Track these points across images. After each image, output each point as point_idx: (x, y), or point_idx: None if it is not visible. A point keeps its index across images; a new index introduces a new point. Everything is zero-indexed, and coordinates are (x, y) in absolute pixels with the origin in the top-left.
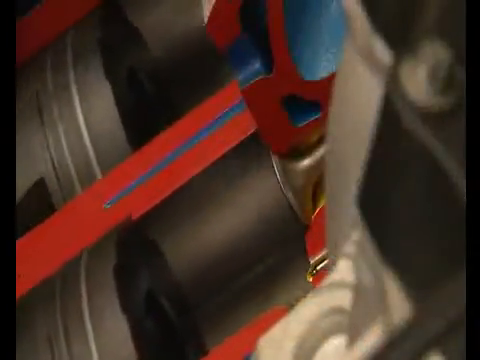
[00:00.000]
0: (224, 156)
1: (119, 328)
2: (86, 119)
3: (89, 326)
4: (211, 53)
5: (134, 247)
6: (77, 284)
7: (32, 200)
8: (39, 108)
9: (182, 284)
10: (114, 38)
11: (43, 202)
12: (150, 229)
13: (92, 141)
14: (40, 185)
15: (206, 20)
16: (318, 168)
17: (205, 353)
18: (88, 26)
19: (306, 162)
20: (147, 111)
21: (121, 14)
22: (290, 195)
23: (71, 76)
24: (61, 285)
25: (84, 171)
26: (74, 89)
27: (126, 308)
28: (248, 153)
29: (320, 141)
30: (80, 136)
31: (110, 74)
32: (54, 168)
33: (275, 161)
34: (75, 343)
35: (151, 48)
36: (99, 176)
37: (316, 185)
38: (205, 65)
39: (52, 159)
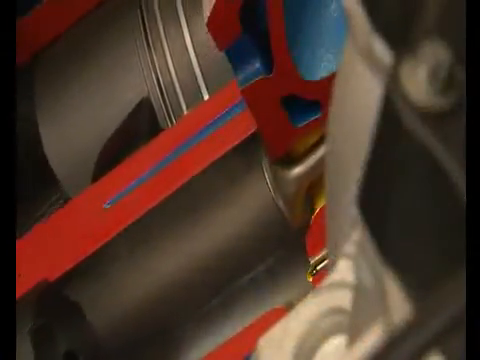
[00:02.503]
0: (224, 156)
1: None
2: (192, 38)
3: None
4: None
5: (52, 307)
6: None
7: (137, 119)
8: (144, 26)
9: (102, 341)
10: None
11: (148, 121)
12: (69, 288)
13: (199, 61)
14: (146, 105)
15: (206, 20)
16: (309, 175)
17: None
18: None
19: (298, 170)
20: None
21: None
22: (281, 203)
23: None
24: None
25: (190, 91)
26: (180, 8)
27: None
28: (238, 162)
29: (315, 145)
30: (187, 56)
31: None
32: (160, 88)
33: (266, 170)
34: None
35: None
36: (206, 96)
37: (312, 186)
38: None
39: (158, 79)
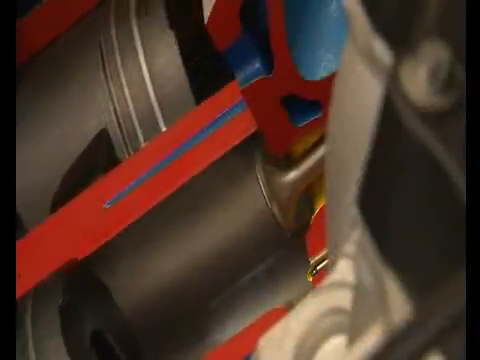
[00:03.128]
0: (224, 156)
1: None
2: (150, 70)
3: None
4: None
5: (80, 286)
6: (23, 323)
7: (95, 151)
8: (102, 58)
9: (129, 322)
10: None
11: (106, 153)
12: (97, 267)
13: (156, 92)
14: (103, 136)
15: (206, 20)
16: (304, 181)
17: None
18: None
19: (292, 175)
20: (212, 64)
21: None
22: (275, 208)
23: (135, 26)
24: None
25: (147, 121)
26: (137, 39)
27: (71, 348)
28: (232, 168)
29: (312, 148)
30: (144, 87)
31: (175, 25)
32: (117, 118)
33: (260, 175)
34: None
35: None
36: (163, 126)
37: (311, 187)
38: None
39: (115, 110)
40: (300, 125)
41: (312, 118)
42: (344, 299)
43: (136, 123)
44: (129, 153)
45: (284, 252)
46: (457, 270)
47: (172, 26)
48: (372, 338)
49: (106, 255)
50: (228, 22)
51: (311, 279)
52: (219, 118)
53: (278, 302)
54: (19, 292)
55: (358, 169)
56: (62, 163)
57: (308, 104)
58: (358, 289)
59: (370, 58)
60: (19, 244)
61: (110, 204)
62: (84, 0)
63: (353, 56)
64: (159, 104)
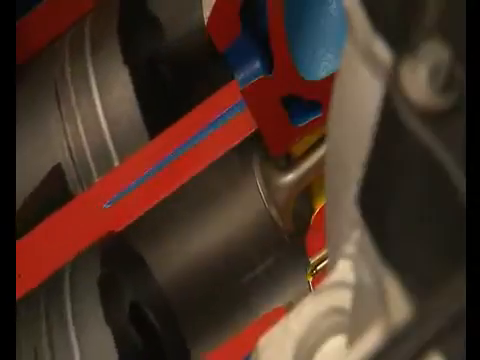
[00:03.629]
0: (224, 156)
1: (103, 339)
2: (104, 106)
3: (73, 337)
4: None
5: (118, 258)
6: (61, 295)
7: (49, 187)
8: (57, 96)
9: (166, 294)
10: (133, 24)
11: (60, 189)
12: (134, 240)
13: (110, 128)
14: (57, 172)
15: (206, 20)
16: (302, 183)
17: None
18: (106, 13)
19: (290, 177)
20: (165, 97)
21: (141, 1)
22: (273, 210)
23: (89, 63)
24: (45, 296)
25: (101, 158)
26: (92, 76)
27: (110, 319)
28: (231, 169)
29: (309, 150)
30: (98, 123)
31: (128, 60)
32: (71, 155)
33: (258, 177)
34: (60, 354)
35: (169, 34)
36: (116, 163)
37: (311, 186)
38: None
39: (69, 146)
40: (300, 125)
41: (312, 118)
42: (344, 299)
43: (90, 158)
44: (83, 188)
45: (283, 253)
46: (457, 270)
47: (126, 62)
48: (372, 338)
49: (143, 228)
50: (228, 22)
51: (311, 279)
52: (219, 118)
53: (278, 302)
54: (19, 292)
55: (358, 169)
56: (16, 198)
57: (308, 104)
58: (358, 289)
59: (370, 58)
60: (19, 244)
61: (110, 204)
62: (84, 0)
63: (353, 56)
64: (113, 139)
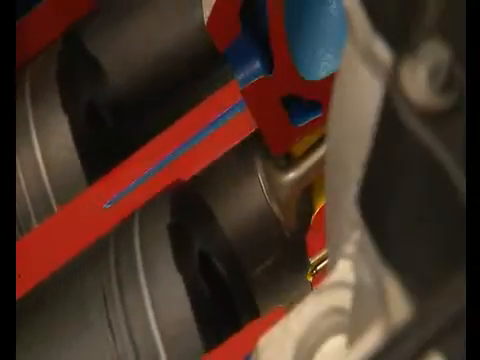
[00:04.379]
0: (224, 156)
1: (175, 286)
2: (43, 153)
3: (144, 283)
4: (171, 81)
5: (187, 208)
6: (131, 240)
7: None
8: None
9: (234, 246)
10: (73, 70)
11: None
12: (201, 191)
13: (49, 175)
14: None
15: (206, 20)
16: (304, 180)
17: (257, 314)
18: (46, 60)
19: (292, 175)
20: (104, 144)
21: (81, 45)
22: (275, 207)
23: (29, 111)
24: (115, 240)
25: (41, 205)
26: (31, 124)
27: (181, 267)
28: (233, 167)
29: (311, 148)
30: (37, 170)
31: (68, 108)
32: None
33: (261, 174)
34: (130, 298)
35: (111, 81)
36: (56, 210)
37: (312, 187)
38: (167, 91)
39: None
40: (300, 125)
41: (312, 118)
42: (344, 299)
43: (30, 205)
44: (22, 233)
45: (284, 252)
46: (457, 270)
47: (65, 109)
48: (372, 338)
49: (210, 179)
50: (228, 22)
51: (311, 279)
52: (219, 118)
53: (278, 302)
54: (19, 292)
55: (358, 169)
56: None
57: (308, 104)
58: (358, 289)
59: (370, 58)
60: (19, 244)
61: (110, 204)
62: (84, 0)
63: (353, 56)
64: (52, 187)
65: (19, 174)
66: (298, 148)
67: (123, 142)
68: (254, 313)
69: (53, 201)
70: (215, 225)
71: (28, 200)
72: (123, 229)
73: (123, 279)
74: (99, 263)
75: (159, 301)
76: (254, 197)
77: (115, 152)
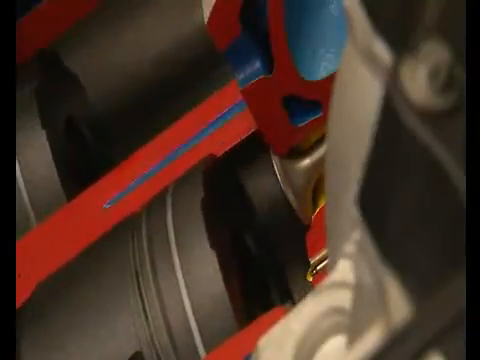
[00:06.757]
0: (224, 156)
1: (208, 262)
2: (22, 169)
3: (177, 260)
4: (151, 93)
5: (219, 183)
6: (163, 215)
7: None
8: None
9: (264, 223)
10: (51, 87)
11: None
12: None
13: (28, 191)
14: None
15: (206, 20)
16: (318, 168)
17: (288, 291)
18: (24, 76)
19: (306, 162)
20: (84, 160)
21: (58, 62)
22: (290, 195)
23: None
24: (147, 217)
25: (20, 221)
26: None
27: (214, 243)
28: (248, 153)
29: (320, 141)
30: (16, 186)
31: (47, 124)
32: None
33: (275, 161)
34: (162, 275)
35: (90, 95)
36: (35, 225)
37: (316, 185)
38: (147, 107)
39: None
40: (300, 125)
41: (312, 118)
42: (344, 299)
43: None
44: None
45: (284, 252)
46: (457, 270)
47: (44, 125)
48: (372, 338)
49: (243, 156)
50: (228, 22)
51: (311, 279)
52: (219, 118)
53: (278, 302)
54: (19, 292)
55: (358, 169)
56: None
57: (308, 104)
58: (358, 289)
59: (370, 58)
60: (19, 244)
61: (110, 204)
62: (84, 0)
63: (353, 56)
64: (31, 203)
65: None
66: (311, 137)
67: (102, 156)
68: (284, 290)
69: (33, 218)
70: (249, 204)
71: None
72: (155, 206)
73: (156, 257)
74: (131, 240)
75: (192, 279)
76: (269, 186)
77: (94, 166)
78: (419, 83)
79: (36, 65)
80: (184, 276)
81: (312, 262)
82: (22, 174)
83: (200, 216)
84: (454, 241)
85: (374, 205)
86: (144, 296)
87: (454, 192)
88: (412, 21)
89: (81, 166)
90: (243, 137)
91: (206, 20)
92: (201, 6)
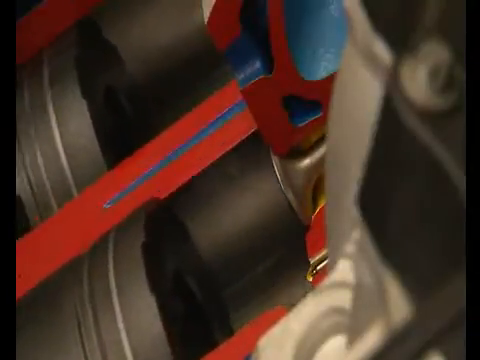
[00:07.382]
0: (224, 156)
1: (147, 307)
2: (63, 139)
3: (117, 305)
4: (189, 68)
5: (162, 226)
6: (105, 261)
7: None
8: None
9: (209, 265)
10: (91, 57)
11: (19, 220)
12: (177, 209)
13: (69, 161)
14: (16, 203)
15: (206, 20)
16: (318, 168)
17: (231, 332)
18: (64, 45)
19: (306, 162)
20: (124, 130)
21: (98, 32)
22: (290, 195)
23: (48, 96)
24: (89, 262)
25: (60, 190)
26: (51, 109)
27: (154, 287)
28: (248, 153)
29: (320, 141)
30: (57, 156)
31: (87, 93)
32: (31, 187)
33: (275, 161)
34: (104, 322)
35: (129, 66)
36: (75, 195)
37: (316, 185)
38: (184, 81)
39: (29, 178)
40: (300, 125)
41: (312, 118)
42: (344, 299)
43: (49, 192)
44: (42, 219)
45: (284, 251)
46: (457, 270)
47: (84, 95)
48: (372, 338)
49: (186, 198)
50: (228, 22)
51: (311, 279)
52: (219, 118)
53: (278, 302)
54: (19, 292)
55: (358, 169)
56: None
57: (308, 104)
58: (358, 289)
59: (370, 58)
60: (19, 244)
61: (110, 204)
62: (84, 0)
63: (353, 56)
64: (72, 172)
65: (39, 160)
66: (311, 137)
67: (141, 125)
68: (227, 331)
69: (73, 186)
70: (191, 244)
71: (48, 186)
72: (98, 249)
73: (96, 301)
74: (74, 284)
75: (132, 322)
76: (268, 186)
77: (133, 136)
78: (419, 83)
79: (75, 34)
80: (124, 322)
81: (312, 262)
82: (62, 144)
83: (141, 262)
84: (454, 241)
85: (374, 205)
86: (86, 346)
87: (454, 192)
88: (412, 21)
89: (120, 136)
90: (243, 137)
91: (206, 20)
92: (201, 6)
